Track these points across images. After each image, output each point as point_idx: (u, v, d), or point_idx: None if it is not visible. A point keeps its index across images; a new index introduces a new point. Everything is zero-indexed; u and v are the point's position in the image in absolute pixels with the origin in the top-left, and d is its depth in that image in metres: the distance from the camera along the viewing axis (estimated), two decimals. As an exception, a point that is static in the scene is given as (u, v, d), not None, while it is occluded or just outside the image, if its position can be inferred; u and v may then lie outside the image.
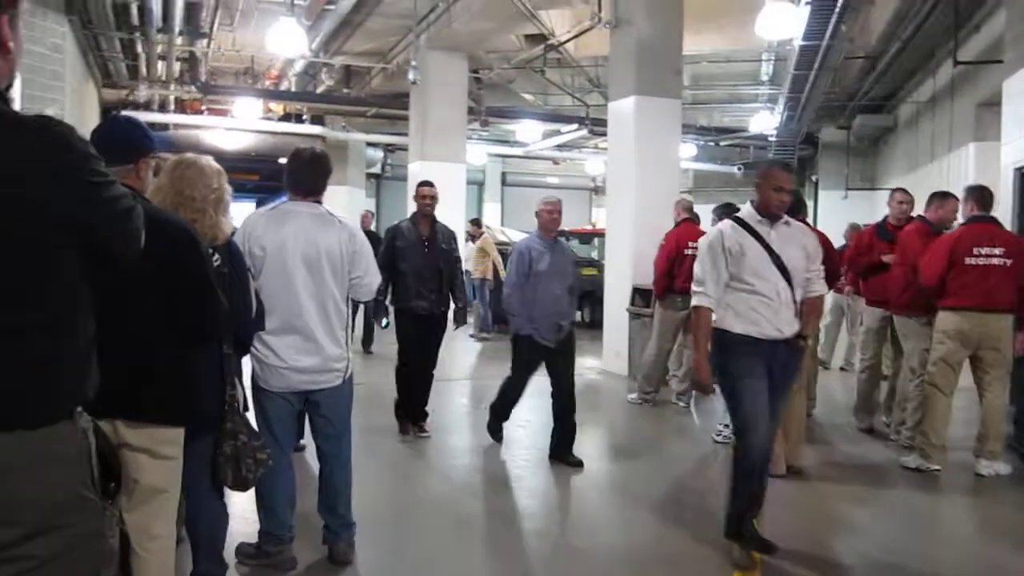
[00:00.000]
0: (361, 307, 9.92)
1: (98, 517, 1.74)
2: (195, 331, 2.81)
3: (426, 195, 6.46)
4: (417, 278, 6.20)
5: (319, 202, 3.77)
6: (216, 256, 3.00)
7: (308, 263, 3.61)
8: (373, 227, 23.30)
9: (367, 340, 10.75)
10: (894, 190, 7.32)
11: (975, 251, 5.58)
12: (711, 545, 4.31)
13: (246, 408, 3.32)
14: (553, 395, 5.88)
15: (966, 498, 5.45)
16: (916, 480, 5.68)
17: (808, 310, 4.23)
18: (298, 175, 3.75)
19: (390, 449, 6.32)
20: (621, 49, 9.74)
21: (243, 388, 3.34)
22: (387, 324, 6.53)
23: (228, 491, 3.36)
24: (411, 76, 13.48)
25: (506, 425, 6.39)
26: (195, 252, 2.73)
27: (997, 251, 5.57)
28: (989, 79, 10.44)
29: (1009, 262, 5.55)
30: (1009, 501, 5.37)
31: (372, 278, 3.85)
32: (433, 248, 6.33)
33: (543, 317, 5.67)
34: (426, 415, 6.62)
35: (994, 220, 5.84)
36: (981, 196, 5.85)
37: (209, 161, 3.15)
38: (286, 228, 3.62)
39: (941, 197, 6.28)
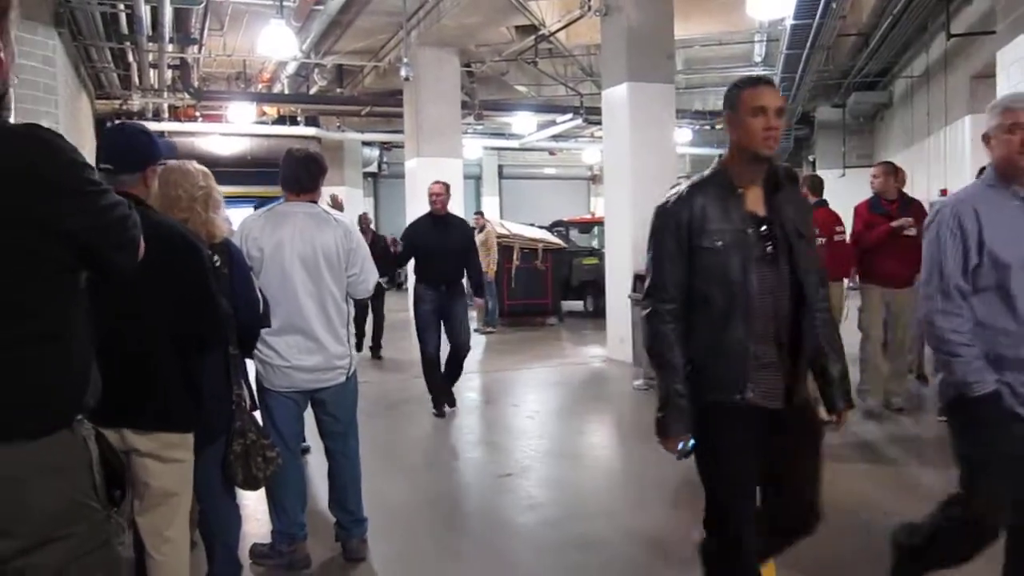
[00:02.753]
0: (370, 313, 10.12)
1: (103, 525, 1.74)
2: (197, 339, 2.82)
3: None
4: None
5: (314, 201, 3.78)
6: (216, 257, 3.00)
7: (306, 262, 3.62)
8: (373, 226, 23.58)
9: (376, 345, 10.68)
10: (877, 164, 7.34)
11: None
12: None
13: (253, 407, 3.33)
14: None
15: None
16: (910, 454, 5.70)
17: None
18: (292, 175, 3.75)
19: (401, 444, 6.33)
20: (612, 36, 9.72)
21: (249, 387, 3.35)
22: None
23: (241, 492, 3.39)
24: (403, 73, 13.48)
25: (514, 416, 6.41)
26: (195, 259, 2.73)
27: None
28: (983, 51, 10.42)
29: None
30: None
31: (369, 275, 3.85)
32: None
33: None
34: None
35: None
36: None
37: (194, 164, 3.17)
38: (283, 229, 3.63)
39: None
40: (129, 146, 2.77)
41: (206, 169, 3.20)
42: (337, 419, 3.86)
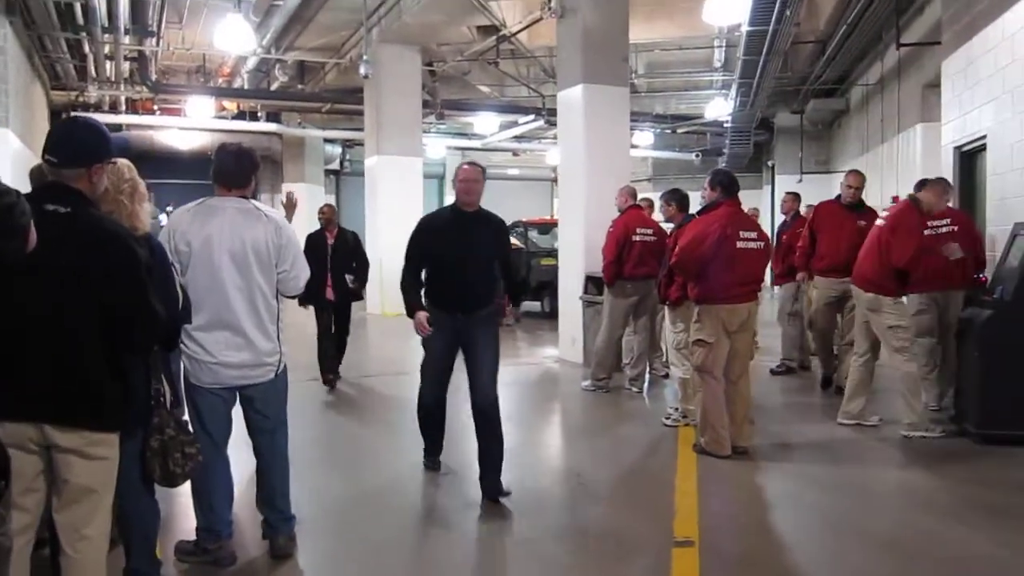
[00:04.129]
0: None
1: None
2: (129, 345, 2.80)
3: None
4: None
5: (245, 196, 3.75)
6: None
7: (235, 257, 3.59)
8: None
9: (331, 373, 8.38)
10: (849, 172, 7.62)
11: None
12: (657, 522, 4.37)
13: (176, 404, 3.30)
14: None
15: (908, 470, 5.55)
16: (860, 455, 5.79)
17: None
18: (224, 169, 3.72)
19: (341, 441, 6.31)
20: (568, 38, 9.77)
21: (171, 383, 3.32)
22: None
23: (170, 489, 3.36)
24: (362, 70, 13.46)
25: (459, 415, 6.39)
26: (133, 265, 2.71)
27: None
28: (933, 61, 10.61)
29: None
30: (950, 474, 5.49)
31: (300, 271, 3.83)
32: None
33: None
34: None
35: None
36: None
37: (121, 159, 3.14)
38: (211, 223, 3.60)
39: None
40: (76, 141, 2.74)
41: (130, 163, 3.18)
42: (266, 416, 3.83)
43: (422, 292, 4.98)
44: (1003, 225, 6.57)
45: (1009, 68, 6.65)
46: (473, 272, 4.84)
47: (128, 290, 2.69)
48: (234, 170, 3.75)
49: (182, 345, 3.56)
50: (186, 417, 3.49)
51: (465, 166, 4.91)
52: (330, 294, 7.98)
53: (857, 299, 6.37)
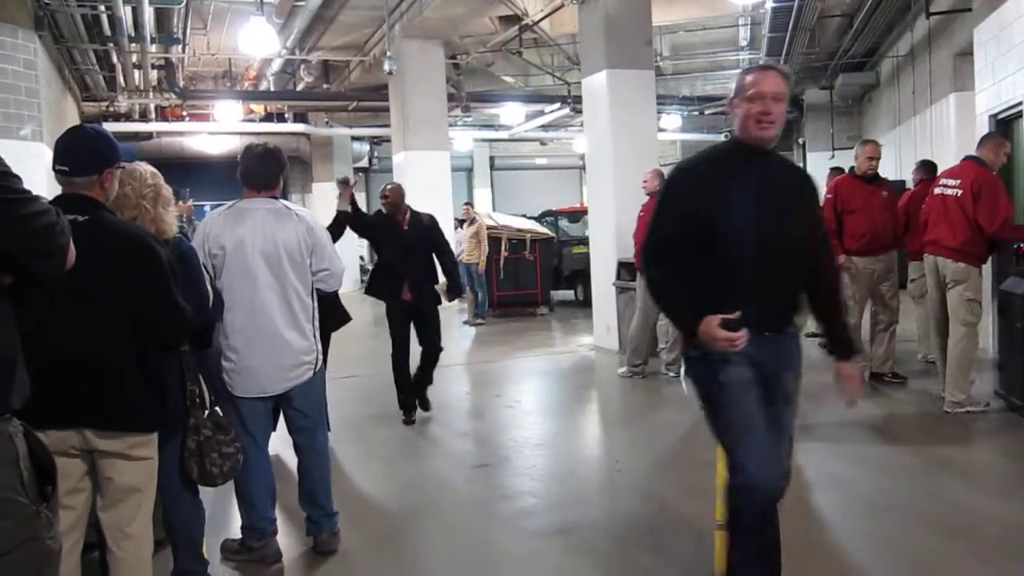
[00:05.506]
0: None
1: (30, 520, 1.76)
2: (159, 342, 2.84)
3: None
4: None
5: (275, 197, 3.78)
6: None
7: (268, 259, 3.62)
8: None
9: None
10: (865, 142, 7.14)
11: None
12: (698, 506, 4.36)
13: (215, 403, 3.34)
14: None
15: (954, 446, 5.47)
16: (903, 432, 5.72)
17: None
18: (251, 171, 3.76)
19: (378, 435, 6.36)
20: (590, 24, 9.71)
21: (209, 382, 3.36)
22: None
23: (215, 488, 3.41)
24: (387, 67, 13.47)
25: (495, 406, 6.43)
26: (155, 264, 2.75)
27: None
28: (964, 29, 10.40)
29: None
30: (997, 448, 5.41)
31: (336, 268, 3.86)
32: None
33: None
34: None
35: None
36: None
37: (143, 164, 3.19)
38: (243, 225, 3.64)
39: None
40: (84, 148, 2.78)
41: (154, 170, 3.22)
42: (305, 414, 3.87)
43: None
44: (1042, 193, 6.44)
45: (1043, 32, 6.51)
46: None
47: (151, 288, 2.73)
48: (260, 171, 3.78)
49: (223, 361, 3.61)
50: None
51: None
52: (407, 293, 6.45)
53: (944, 269, 5.92)
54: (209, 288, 3.27)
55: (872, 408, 6.26)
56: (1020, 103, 7.09)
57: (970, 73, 8.51)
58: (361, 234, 6.86)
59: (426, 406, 6.70)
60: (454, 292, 6.79)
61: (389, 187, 6.69)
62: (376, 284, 6.64)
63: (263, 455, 3.82)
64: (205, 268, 3.40)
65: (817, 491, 4.72)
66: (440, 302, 6.64)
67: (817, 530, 4.12)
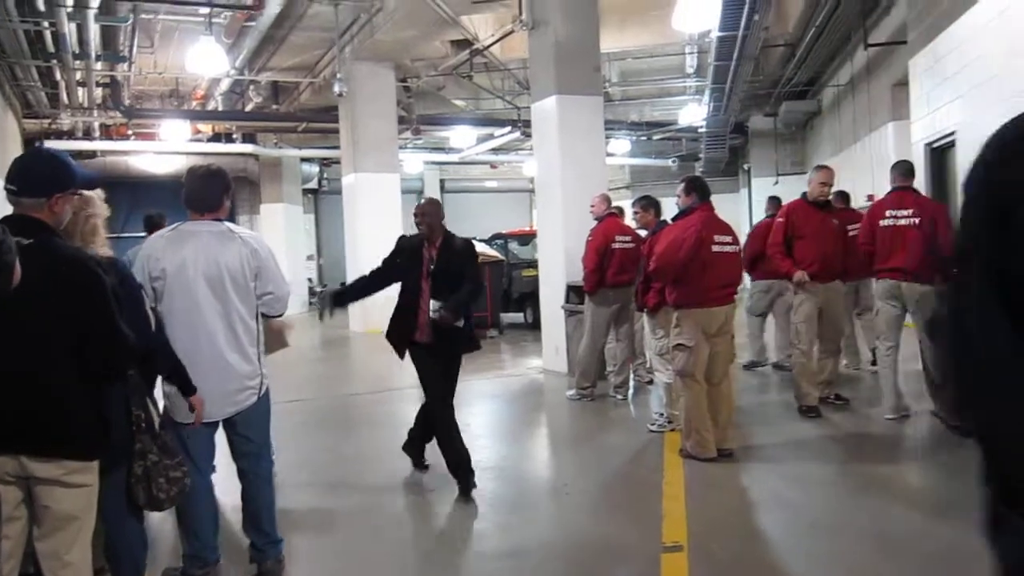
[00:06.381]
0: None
1: None
2: (103, 368, 2.79)
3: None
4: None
5: (220, 219, 3.74)
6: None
7: (210, 282, 3.57)
8: (315, 243, 23.28)
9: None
10: (819, 168, 7.12)
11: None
12: (645, 529, 4.39)
13: (162, 427, 3.28)
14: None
15: (894, 465, 5.60)
16: (843, 452, 5.84)
17: None
18: (195, 194, 3.71)
19: (322, 461, 6.29)
20: (540, 50, 9.82)
21: (156, 406, 3.31)
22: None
23: (156, 515, 3.34)
24: (337, 88, 13.46)
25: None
26: (98, 289, 2.71)
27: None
28: (900, 60, 10.74)
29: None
30: (933, 465, 5.55)
31: (281, 291, 3.82)
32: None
33: None
34: None
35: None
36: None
37: (93, 191, 3.15)
38: (185, 248, 3.58)
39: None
40: (37, 171, 2.75)
41: (100, 192, 3.19)
42: (249, 440, 3.81)
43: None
44: (975, 220, 6.64)
45: (974, 64, 6.75)
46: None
47: (95, 315, 2.69)
48: (203, 194, 3.74)
49: (163, 386, 3.55)
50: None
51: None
52: (423, 333, 5.14)
53: (908, 292, 6.19)
54: (150, 312, 3.23)
55: (815, 429, 6.39)
56: (953, 132, 7.34)
57: (907, 103, 8.79)
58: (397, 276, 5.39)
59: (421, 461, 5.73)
60: (451, 313, 5.06)
61: (424, 204, 5.41)
62: (390, 327, 5.35)
63: (206, 482, 3.75)
64: (145, 291, 3.35)
65: (762, 511, 4.79)
66: (465, 349, 5.43)
67: (763, 551, 4.18)
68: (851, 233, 7.00)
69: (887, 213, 6.35)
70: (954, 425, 5.88)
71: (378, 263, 5.43)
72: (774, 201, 9.53)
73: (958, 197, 4.63)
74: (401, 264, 5.29)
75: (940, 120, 7.62)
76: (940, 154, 7.95)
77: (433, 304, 5.05)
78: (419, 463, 5.74)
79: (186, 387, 3.45)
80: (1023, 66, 5.82)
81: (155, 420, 3.20)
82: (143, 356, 3.12)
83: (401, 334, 5.21)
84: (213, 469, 3.94)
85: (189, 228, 3.68)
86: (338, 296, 5.64)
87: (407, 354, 5.29)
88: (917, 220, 6.21)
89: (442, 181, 26.72)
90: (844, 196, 8.57)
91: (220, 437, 3.83)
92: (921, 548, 4.03)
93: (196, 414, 3.50)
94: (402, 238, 5.55)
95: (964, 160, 7.08)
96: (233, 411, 3.69)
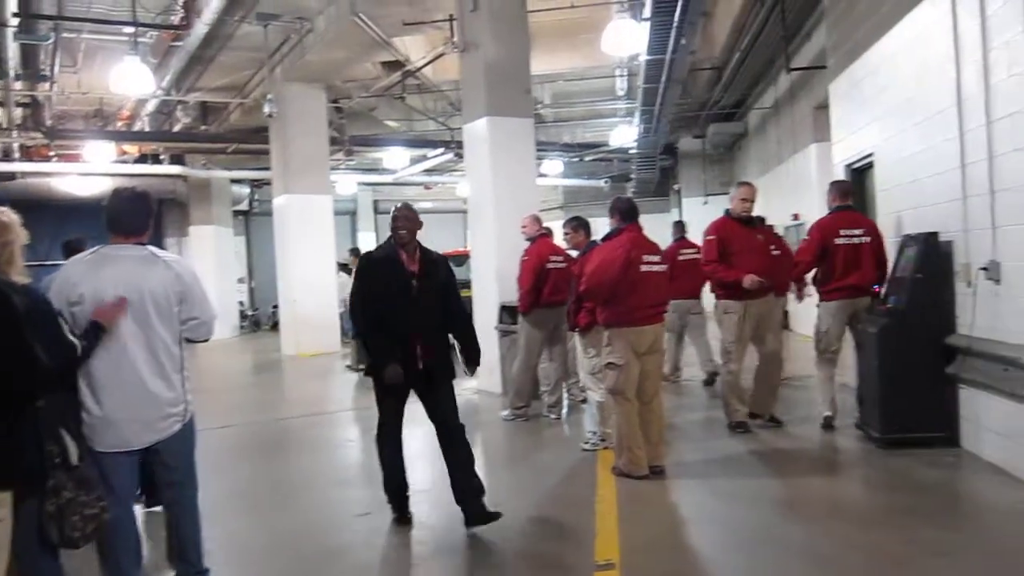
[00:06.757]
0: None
1: None
2: (15, 393, 2.71)
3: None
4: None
5: (142, 243, 3.65)
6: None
7: (132, 307, 3.48)
8: (246, 265, 22.90)
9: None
10: (741, 184, 7.19)
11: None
12: (578, 547, 4.41)
13: (81, 458, 3.18)
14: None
15: (820, 478, 5.73)
16: (773, 466, 5.95)
17: None
18: (118, 216, 3.62)
19: (253, 488, 6.17)
20: (471, 72, 9.89)
21: (75, 439, 3.20)
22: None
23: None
24: (267, 109, 13.35)
25: (376, 453, 6.32)
26: (7, 312, 2.63)
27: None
28: (821, 84, 11.08)
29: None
30: (857, 478, 5.70)
31: (206, 316, 3.75)
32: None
33: None
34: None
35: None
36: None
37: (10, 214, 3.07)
38: (105, 272, 3.48)
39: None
40: None
41: (10, 212, 3.10)
42: (174, 468, 3.71)
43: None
44: (893, 238, 6.89)
45: (890, 88, 7.00)
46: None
47: (4, 336, 2.61)
48: (127, 216, 3.65)
49: (82, 412, 3.44)
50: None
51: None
52: (418, 362, 4.76)
53: (858, 306, 6.68)
54: (70, 337, 3.14)
55: (744, 444, 6.50)
56: (871, 154, 7.58)
57: (828, 125, 9.06)
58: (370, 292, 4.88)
59: (487, 516, 4.79)
60: (475, 361, 5.02)
61: (405, 209, 4.90)
62: (375, 363, 4.83)
63: (128, 513, 3.63)
64: (63, 317, 3.25)
65: (693, 527, 4.85)
66: (454, 371, 5.00)
67: (693, 567, 4.22)
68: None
69: (841, 232, 6.66)
70: (877, 436, 6.07)
71: (346, 300, 4.84)
72: (679, 225, 10.28)
73: (877, 216, 4.81)
74: (377, 287, 4.78)
75: (859, 142, 7.87)
76: (859, 174, 8.21)
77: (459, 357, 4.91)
78: (405, 515, 5.06)
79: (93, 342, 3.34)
80: (934, 90, 6.06)
81: (71, 453, 3.10)
82: (59, 377, 3.04)
83: (381, 363, 4.71)
84: (137, 499, 3.83)
85: (110, 252, 3.58)
86: (381, 363, 4.75)
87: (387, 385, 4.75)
88: (869, 239, 6.67)
89: (376, 202, 26.61)
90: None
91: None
92: (847, 560, 4.12)
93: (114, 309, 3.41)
94: (367, 256, 5.08)
95: (881, 180, 7.35)
96: (156, 439, 3.59)
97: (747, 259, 6.77)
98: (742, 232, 6.91)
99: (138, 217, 3.66)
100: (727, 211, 7.06)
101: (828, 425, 6.74)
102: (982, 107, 5.36)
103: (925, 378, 5.93)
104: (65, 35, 12.85)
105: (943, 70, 5.89)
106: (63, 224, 14.23)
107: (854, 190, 7.61)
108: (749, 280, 6.62)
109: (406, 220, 4.82)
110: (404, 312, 4.70)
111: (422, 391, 4.87)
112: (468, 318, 5.21)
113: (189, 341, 3.77)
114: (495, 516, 4.75)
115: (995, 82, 5.23)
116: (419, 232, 4.93)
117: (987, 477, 5.29)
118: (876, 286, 6.78)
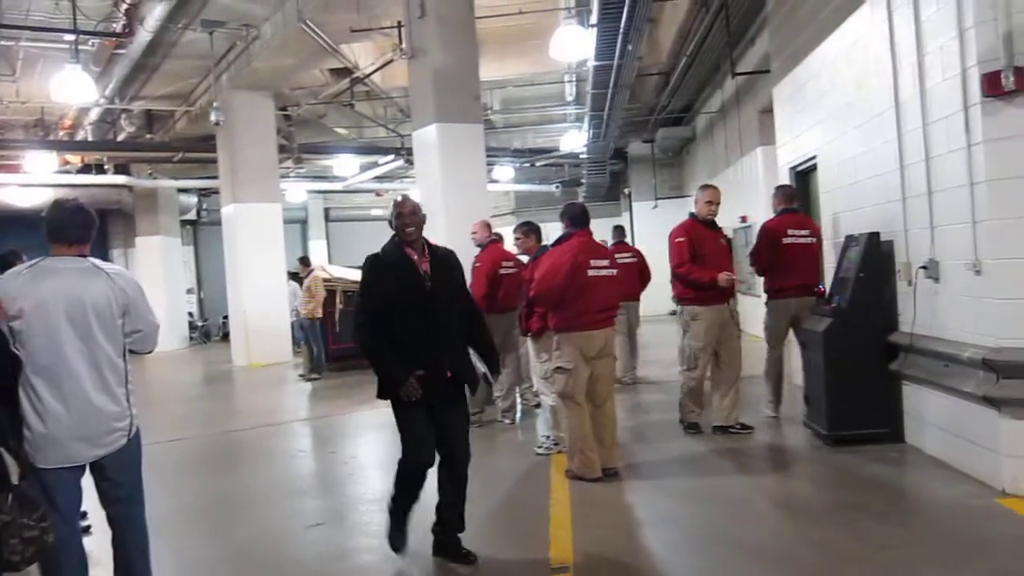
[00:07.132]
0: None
1: None
2: None
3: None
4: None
5: (84, 255, 3.58)
6: None
7: (73, 321, 3.40)
8: (195, 275, 22.55)
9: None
10: (706, 187, 7.15)
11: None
12: (532, 552, 4.44)
13: (22, 478, 3.10)
14: None
15: (770, 477, 5.82)
16: (724, 466, 6.03)
17: None
18: (60, 226, 3.54)
19: (202, 501, 6.07)
20: (420, 79, 9.87)
21: (19, 457, 3.13)
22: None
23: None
24: (213, 117, 13.17)
25: (330, 462, 6.27)
26: None
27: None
28: (766, 88, 11.27)
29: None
30: (805, 475, 5.80)
31: (150, 328, 3.68)
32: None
33: None
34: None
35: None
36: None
37: None
38: (45, 285, 3.40)
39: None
40: None
41: None
42: (119, 484, 3.62)
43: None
44: (836, 238, 7.03)
45: (831, 93, 7.15)
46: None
47: None
48: (68, 227, 3.57)
49: (24, 430, 3.35)
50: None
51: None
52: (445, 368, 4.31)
53: (802, 305, 6.95)
54: (14, 350, 3.06)
55: (697, 445, 6.58)
56: (814, 156, 7.74)
57: (773, 128, 9.21)
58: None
59: (460, 556, 4.47)
60: (496, 365, 4.58)
61: (411, 203, 4.45)
62: (388, 381, 4.37)
63: (73, 531, 3.54)
64: (2, 331, 3.17)
65: (647, 529, 4.89)
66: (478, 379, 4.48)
67: (647, 568, 4.25)
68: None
69: (789, 232, 6.92)
70: (824, 434, 6.18)
71: (359, 308, 4.39)
72: (619, 230, 10.81)
73: (820, 217, 4.92)
74: (389, 294, 4.22)
75: (802, 145, 8.03)
76: (804, 177, 8.36)
77: (477, 364, 4.41)
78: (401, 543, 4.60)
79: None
80: (873, 94, 6.20)
81: (9, 473, 3.02)
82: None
83: (395, 376, 4.24)
84: (82, 516, 3.75)
85: (50, 265, 3.50)
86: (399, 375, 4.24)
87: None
88: (814, 240, 7.01)
89: (326, 210, 26.40)
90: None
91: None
92: (797, 556, 4.19)
93: None
94: (374, 260, 4.42)
95: (824, 182, 7.50)
96: (101, 454, 3.52)
97: (714, 262, 6.76)
98: (708, 235, 6.91)
99: (78, 228, 3.58)
100: (692, 214, 7.05)
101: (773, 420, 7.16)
102: (919, 110, 5.51)
103: (869, 375, 6.06)
104: (3, 43, 12.56)
105: (881, 74, 6.04)
106: (2, 236, 13.89)
107: (798, 192, 7.76)
108: (725, 278, 6.61)
109: (412, 216, 4.33)
110: (420, 318, 4.19)
111: (441, 406, 4.32)
112: (482, 316, 4.71)
113: (133, 353, 3.71)
114: (468, 559, 4.38)
115: (930, 86, 5.38)
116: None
117: (930, 471, 5.42)
118: (820, 286, 6.96)
